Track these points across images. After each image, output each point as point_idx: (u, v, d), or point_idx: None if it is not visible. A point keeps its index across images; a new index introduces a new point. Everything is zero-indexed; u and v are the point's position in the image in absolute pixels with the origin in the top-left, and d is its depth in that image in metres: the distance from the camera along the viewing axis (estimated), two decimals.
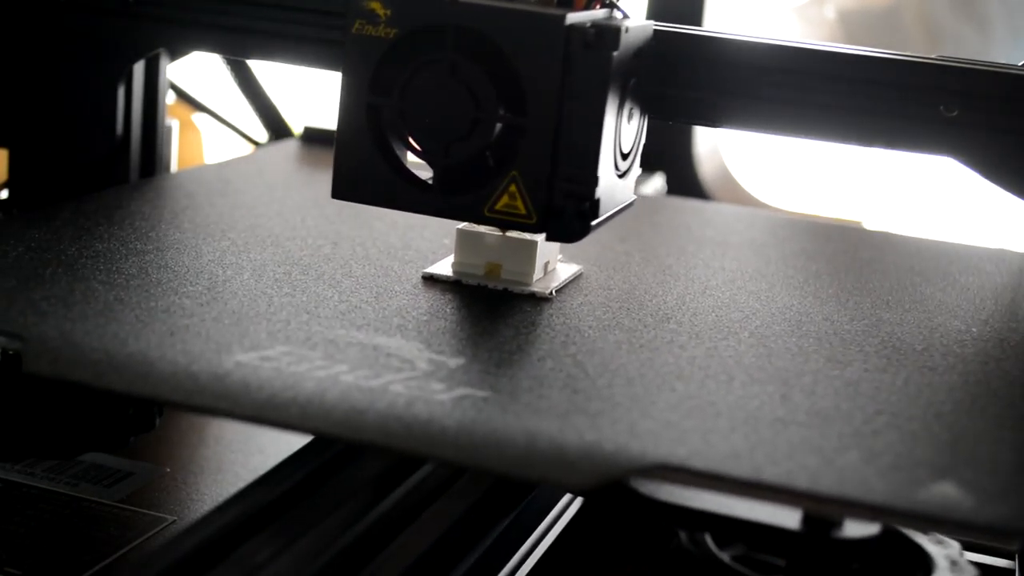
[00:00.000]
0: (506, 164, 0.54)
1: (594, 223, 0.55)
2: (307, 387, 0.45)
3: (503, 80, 0.53)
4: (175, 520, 0.58)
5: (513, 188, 0.54)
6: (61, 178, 0.74)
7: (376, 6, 0.54)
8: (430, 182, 0.56)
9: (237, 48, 0.71)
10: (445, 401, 0.45)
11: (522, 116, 0.54)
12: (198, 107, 1.00)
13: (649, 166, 1.04)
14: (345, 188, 0.56)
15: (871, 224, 1.10)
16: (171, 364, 0.46)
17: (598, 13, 0.55)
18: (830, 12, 1.22)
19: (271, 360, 0.47)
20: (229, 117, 1.01)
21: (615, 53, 0.53)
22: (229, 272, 0.57)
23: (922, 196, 1.37)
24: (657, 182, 1.00)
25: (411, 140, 0.55)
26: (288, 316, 0.52)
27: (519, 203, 0.54)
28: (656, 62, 0.59)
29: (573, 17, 0.53)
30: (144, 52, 0.74)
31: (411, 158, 0.57)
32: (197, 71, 1.03)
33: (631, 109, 0.57)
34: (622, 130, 0.57)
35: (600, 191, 0.55)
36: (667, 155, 1.05)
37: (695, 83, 0.62)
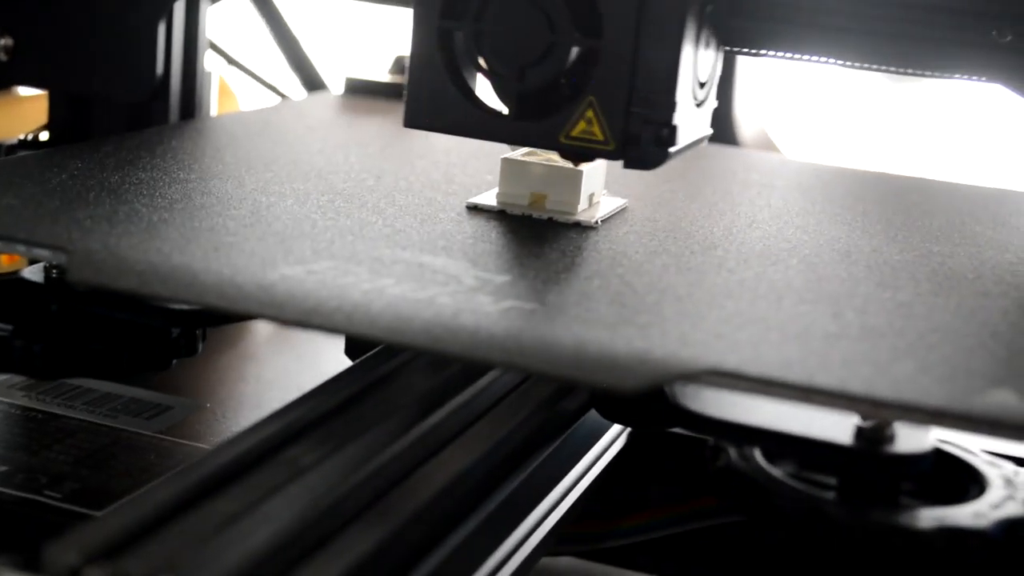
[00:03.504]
0: (582, 89, 0.53)
1: (672, 150, 0.54)
2: (353, 296, 0.45)
3: (579, 3, 0.53)
4: None
5: (590, 113, 0.53)
6: (101, 120, 0.74)
7: None
8: (505, 110, 0.55)
9: None
10: (492, 312, 0.45)
11: (598, 39, 0.53)
12: (232, 62, 0.99)
13: None
14: (417, 116, 0.56)
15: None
16: (216, 275, 0.46)
17: None
18: None
19: (316, 273, 0.47)
20: (264, 75, 1.01)
21: None
22: (272, 199, 0.57)
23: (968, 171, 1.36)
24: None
25: (485, 65, 0.55)
26: (332, 237, 0.52)
27: (596, 128, 0.53)
28: None
29: None
30: None
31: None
32: (232, 29, 1.02)
33: (708, 37, 0.56)
34: (699, 57, 0.55)
35: (678, 118, 0.54)
36: None
37: (753, 12, 0.61)
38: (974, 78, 0.61)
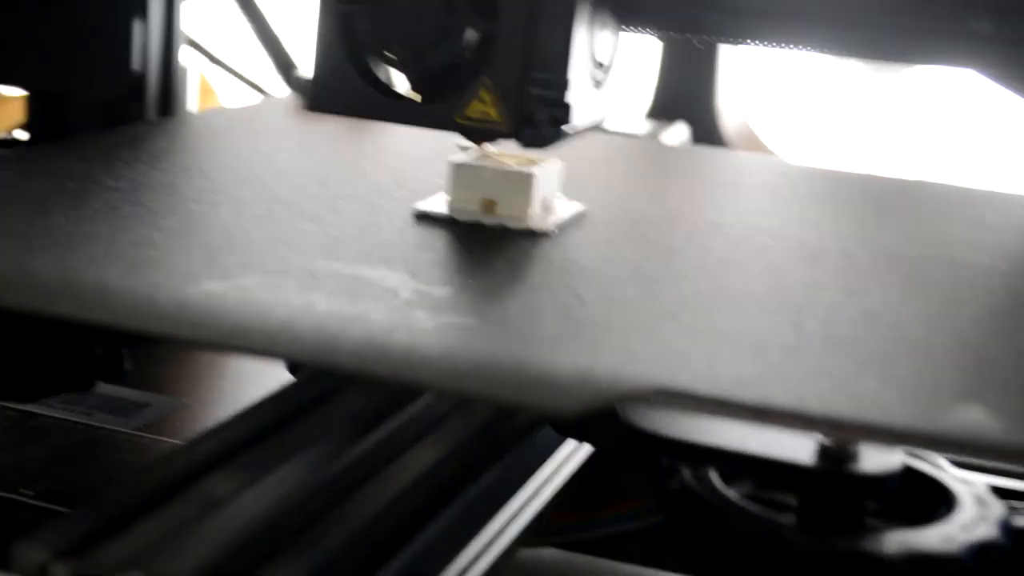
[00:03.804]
0: (478, 70, 0.53)
1: (566, 128, 0.53)
2: (278, 314, 0.42)
3: None
4: None
5: (484, 94, 0.53)
6: (79, 118, 0.72)
7: None
8: (404, 93, 0.55)
9: None
10: (428, 329, 0.42)
11: (493, 21, 0.52)
12: (213, 60, 0.97)
13: (671, 115, 1.02)
14: (321, 100, 0.56)
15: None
16: (131, 292, 0.43)
17: None
18: None
19: (241, 289, 0.44)
20: (247, 74, 0.99)
21: None
22: (206, 208, 0.54)
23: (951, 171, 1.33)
24: (683, 130, 0.97)
25: (384, 48, 0.55)
26: (265, 249, 0.49)
27: (491, 109, 0.53)
28: None
29: None
30: None
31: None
32: (216, 26, 1.00)
33: (605, 18, 0.56)
34: (596, 38, 0.55)
35: (573, 97, 0.53)
36: (688, 106, 1.02)
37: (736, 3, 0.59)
38: (952, 64, 0.59)
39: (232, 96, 1.08)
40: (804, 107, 1.26)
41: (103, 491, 0.51)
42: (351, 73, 0.55)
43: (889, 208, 0.66)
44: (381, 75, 0.55)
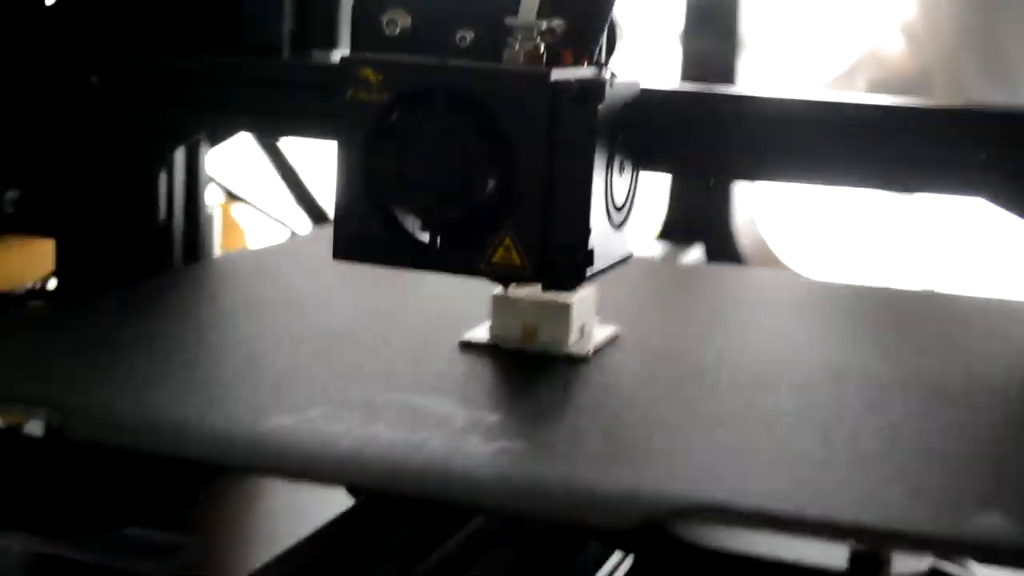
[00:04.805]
0: (500, 219, 0.55)
1: (588, 273, 0.55)
2: (344, 444, 0.45)
3: (494, 138, 0.54)
4: None
5: (508, 241, 0.55)
6: (106, 266, 0.75)
7: (368, 72, 0.55)
8: (428, 240, 0.56)
9: (275, 127, 0.73)
10: (483, 453, 0.45)
11: (513, 172, 0.54)
12: (236, 198, 1.01)
13: (688, 236, 1.06)
14: (346, 249, 0.57)
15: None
16: (209, 428, 0.46)
17: (585, 71, 0.56)
18: (861, 82, 1.23)
19: (309, 422, 0.48)
20: (270, 210, 1.03)
21: (600, 106, 0.54)
22: (267, 345, 0.58)
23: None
24: (696, 252, 1.01)
25: (408, 198, 0.56)
26: (326, 382, 0.53)
27: (515, 256, 0.55)
28: (646, 116, 0.60)
29: (559, 74, 0.54)
30: (184, 138, 0.75)
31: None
32: (238, 169, 1.04)
33: (622, 162, 0.58)
34: (613, 182, 0.57)
35: (593, 242, 0.55)
36: (705, 226, 1.05)
37: (698, 138, 0.63)
38: (958, 194, 0.62)
39: (258, 230, 1.12)
40: (820, 222, 1.30)
41: None
42: (376, 224, 0.56)
43: (906, 321, 0.70)
44: (404, 223, 0.56)
